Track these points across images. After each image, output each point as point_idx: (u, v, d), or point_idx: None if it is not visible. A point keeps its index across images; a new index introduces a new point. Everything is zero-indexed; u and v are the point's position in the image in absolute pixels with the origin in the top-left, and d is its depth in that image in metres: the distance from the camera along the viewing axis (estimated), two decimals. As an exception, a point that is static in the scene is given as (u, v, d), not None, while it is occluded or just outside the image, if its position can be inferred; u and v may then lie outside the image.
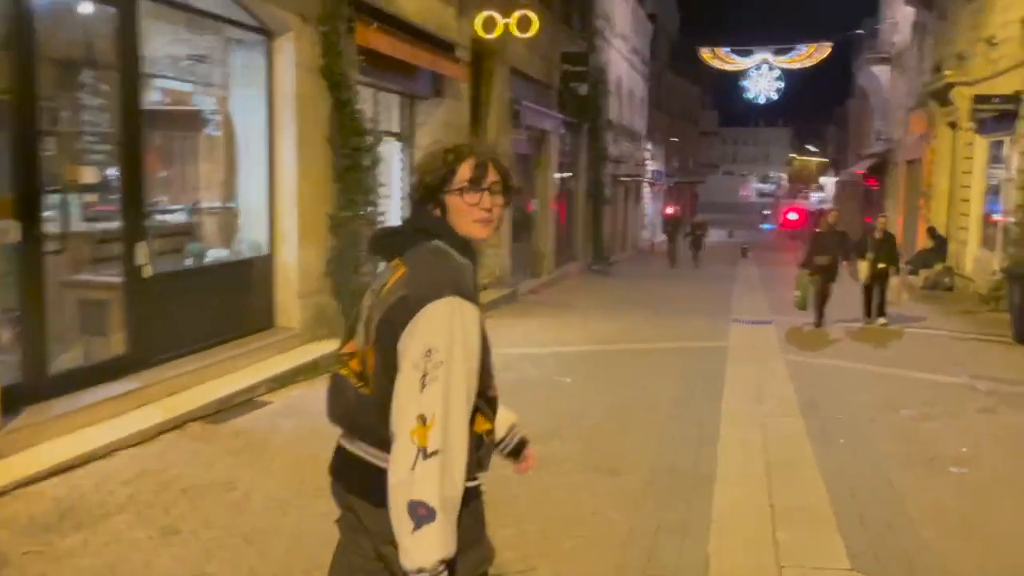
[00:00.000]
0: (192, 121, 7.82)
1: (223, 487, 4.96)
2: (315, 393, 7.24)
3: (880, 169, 27.39)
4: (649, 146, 36.52)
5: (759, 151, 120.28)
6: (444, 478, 1.84)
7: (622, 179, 28.58)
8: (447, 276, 1.95)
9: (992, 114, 15.52)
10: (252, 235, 8.24)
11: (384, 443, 1.92)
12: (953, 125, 19.45)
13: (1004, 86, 15.51)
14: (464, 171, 2.03)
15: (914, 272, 19.92)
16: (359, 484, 2.03)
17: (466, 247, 2.07)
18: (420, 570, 1.81)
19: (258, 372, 7.31)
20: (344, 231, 8.71)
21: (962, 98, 17.95)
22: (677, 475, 5.57)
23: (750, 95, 35.99)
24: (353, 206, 8.65)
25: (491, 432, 2.09)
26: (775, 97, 35.65)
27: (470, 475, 1.97)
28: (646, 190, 37.82)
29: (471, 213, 2.03)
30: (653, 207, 36.51)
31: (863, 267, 12.59)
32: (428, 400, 1.84)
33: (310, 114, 8.33)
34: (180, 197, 7.77)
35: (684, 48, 49.92)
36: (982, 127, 17.21)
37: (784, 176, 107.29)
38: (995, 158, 16.95)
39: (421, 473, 1.82)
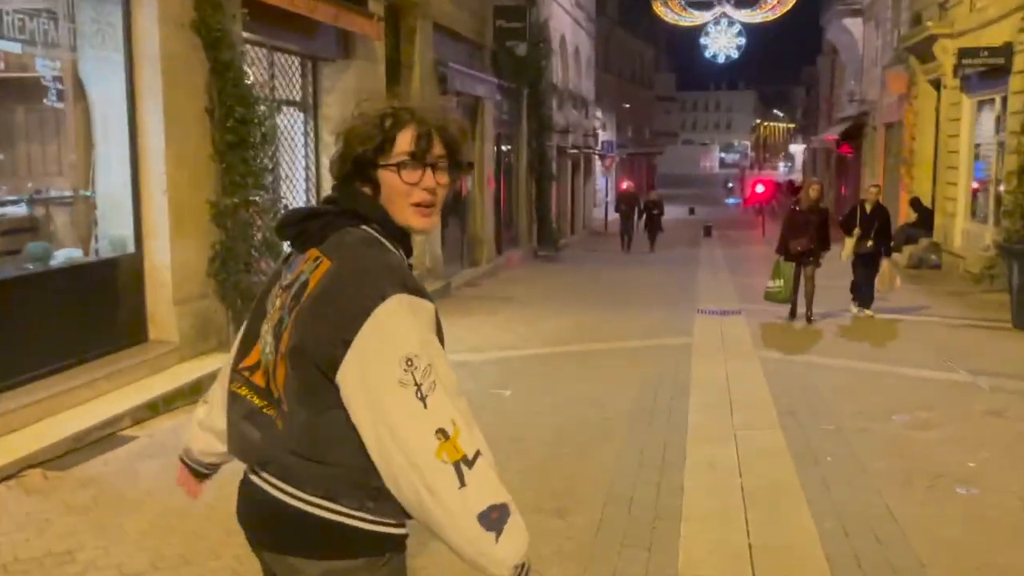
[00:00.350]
0: (31, 91, 7.06)
1: (57, 559, 4.31)
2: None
3: (855, 134, 27.42)
4: (599, 114, 36.19)
5: (721, 117, 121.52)
6: (494, 470, 1.76)
7: (569, 152, 28.18)
8: (387, 270, 1.77)
9: (979, 69, 15.42)
10: (113, 230, 7.53)
11: (314, 481, 1.78)
12: (936, 83, 19.42)
13: (992, 37, 15.42)
14: (404, 141, 1.85)
15: (897, 249, 19.92)
16: (294, 539, 1.82)
17: (402, 239, 1.89)
18: (518, 566, 1.77)
19: (123, 399, 6.63)
20: (231, 221, 8.04)
21: (945, 52, 17.88)
22: (636, 512, 5.10)
23: (709, 54, 35.73)
24: (240, 190, 7.98)
25: None
26: (736, 56, 35.54)
27: (397, 519, 1.84)
28: (597, 163, 37.54)
29: (410, 195, 1.85)
30: (606, 182, 36.20)
31: (848, 245, 12.05)
32: (438, 410, 1.71)
33: (182, 80, 7.62)
34: (16, 185, 7.03)
35: (635, 2, 49.95)
36: (968, 84, 17.14)
37: (749, 145, 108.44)
38: (984, 119, 16.90)
39: (474, 483, 1.71)
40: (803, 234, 11.45)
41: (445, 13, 14.94)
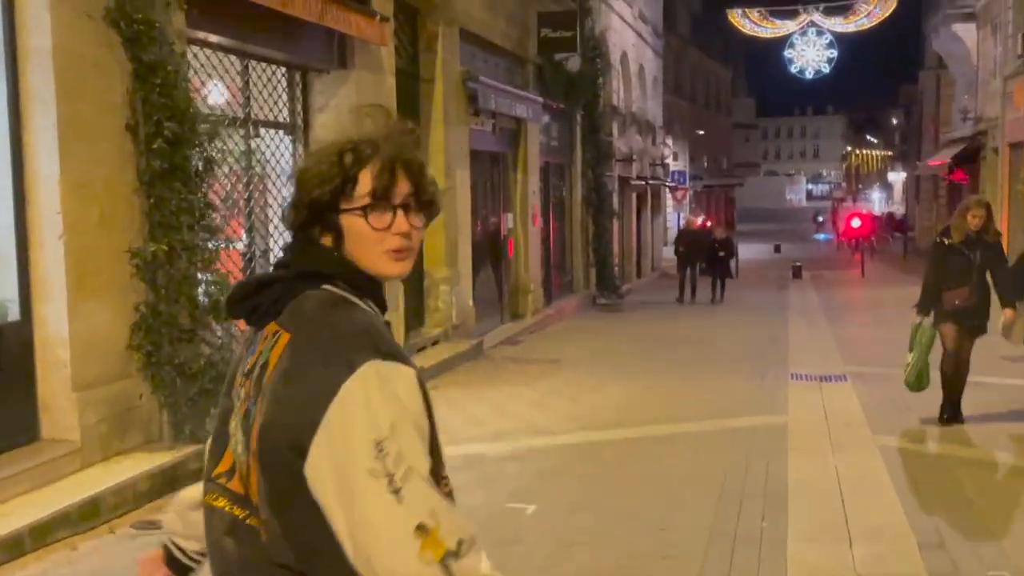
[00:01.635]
0: None
1: None
2: (85, 562, 5.06)
3: (970, 158, 25.21)
4: (669, 141, 34.48)
5: (807, 145, 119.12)
6: (482, 555, 1.62)
7: (634, 183, 26.45)
8: (355, 335, 1.62)
9: None
10: (-10, 290, 6.03)
11: None
12: (1075, 92, 17.35)
13: None
14: (367, 180, 1.67)
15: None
16: None
17: (373, 291, 1.75)
18: None
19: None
20: (162, 274, 6.51)
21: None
22: None
23: (795, 69, 33.66)
24: (172, 233, 6.44)
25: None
26: (826, 70, 33.33)
27: None
28: (668, 197, 35.70)
29: (381, 241, 1.69)
30: (678, 217, 34.39)
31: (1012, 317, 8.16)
32: (415, 503, 1.54)
33: (90, 86, 6.15)
34: None
35: (709, 19, 48.34)
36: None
37: (839, 175, 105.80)
38: None
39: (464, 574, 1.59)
40: (964, 281, 7.91)
41: (476, 19, 13.43)
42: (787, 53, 33.55)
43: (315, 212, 1.68)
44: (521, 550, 5.35)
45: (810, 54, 33.43)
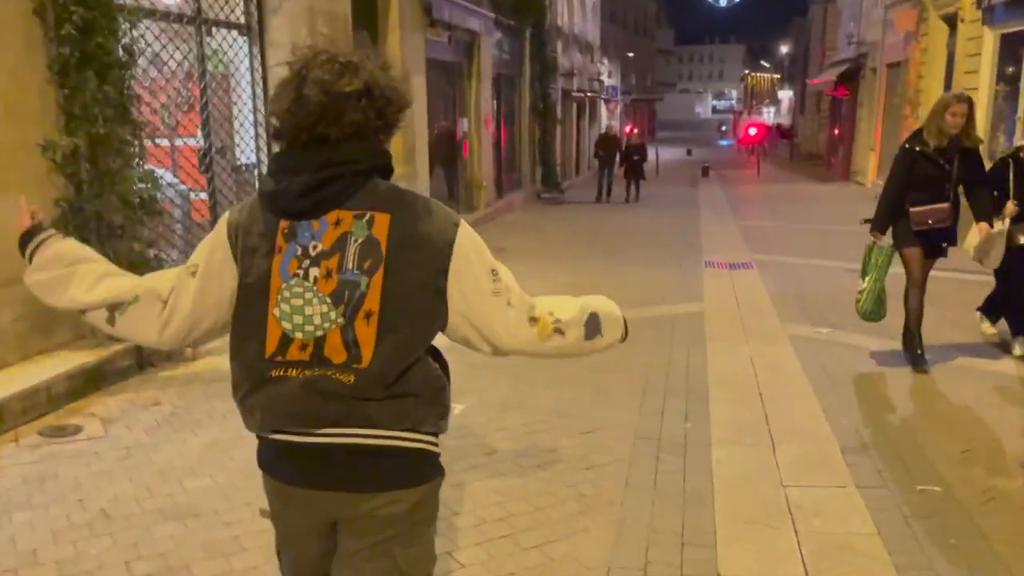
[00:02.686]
0: None
1: None
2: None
3: (852, 76, 23.54)
4: (605, 60, 32.23)
5: (714, 68, 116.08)
6: (585, 317, 1.83)
7: (574, 95, 24.50)
8: (437, 204, 1.67)
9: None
10: None
11: (399, 416, 1.62)
12: (949, 18, 15.66)
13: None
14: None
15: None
16: (393, 475, 1.64)
17: None
18: (623, 333, 1.98)
19: None
20: (85, 170, 4.91)
21: (965, -17, 14.13)
22: None
23: (712, -2, 31.29)
24: (89, 126, 4.81)
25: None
26: None
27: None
28: (603, 108, 33.68)
29: None
30: (615, 126, 32.47)
31: (987, 231, 5.33)
32: (522, 306, 1.71)
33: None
34: None
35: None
36: (991, 16, 13.44)
37: (737, 93, 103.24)
38: (1011, 55, 13.23)
39: (569, 328, 1.78)
40: (938, 196, 5.19)
41: (432, -65, 11.40)
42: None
43: (392, 123, 1.66)
44: (445, 458, 4.04)
45: (725, -15, 30.98)
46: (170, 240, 6.68)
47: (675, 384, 5.23)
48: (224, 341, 1.70)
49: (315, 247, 1.57)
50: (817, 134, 34.84)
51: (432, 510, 1.74)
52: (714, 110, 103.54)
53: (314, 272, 1.57)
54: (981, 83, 13.83)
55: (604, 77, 31.55)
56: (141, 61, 6.14)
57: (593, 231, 13.41)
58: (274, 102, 1.61)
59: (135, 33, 5.15)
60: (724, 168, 30.16)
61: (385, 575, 1.66)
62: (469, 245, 1.63)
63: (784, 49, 66.00)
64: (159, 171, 6.53)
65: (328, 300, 1.57)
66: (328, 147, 1.58)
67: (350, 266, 1.56)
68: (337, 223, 1.58)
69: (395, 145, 10.41)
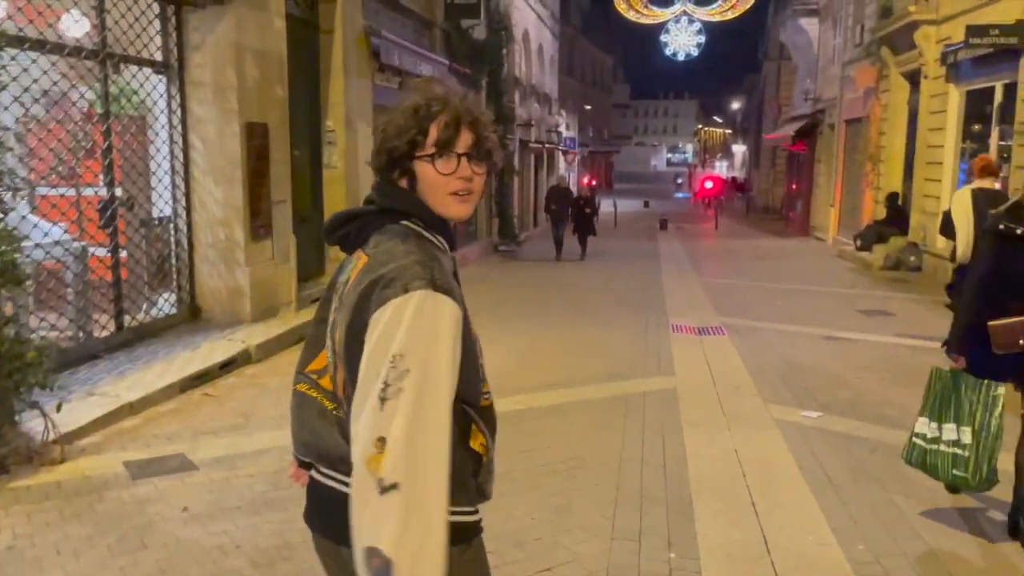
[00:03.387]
0: None
1: None
2: None
3: (808, 132, 23.44)
4: (563, 112, 31.95)
5: (668, 123, 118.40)
6: (409, 520, 1.32)
7: (532, 146, 23.96)
8: (418, 264, 1.46)
9: (985, 51, 11.43)
10: None
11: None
12: (911, 75, 15.46)
13: (993, 17, 11.44)
14: (434, 132, 1.54)
15: (865, 247, 16.06)
16: (338, 527, 1.45)
17: (443, 228, 1.60)
18: None
19: None
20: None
21: (928, 40, 13.90)
22: None
23: (669, 52, 31.22)
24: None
25: (489, 449, 1.59)
26: (695, 53, 30.90)
27: (468, 504, 1.55)
28: (561, 160, 33.30)
29: (447, 185, 1.55)
30: (568, 176, 32.05)
31: None
32: (388, 418, 1.35)
33: None
34: None
35: (596, 13, 45.66)
36: (957, 73, 13.18)
37: (692, 147, 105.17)
38: (976, 112, 12.94)
39: (374, 512, 1.33)
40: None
41: (381, -24, 10.71)
42: (663, 38, 31.05)
43: (393, 159, 1.56)
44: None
45: (682, 39, 30.99)
46: (56, 307, 5.66)
47: (652, 489, 4.34)
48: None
49: (340, 281, 1.60)
50: (772, 188, 34.90)
51: None
52: (669, 163, 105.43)
53: (334, 304, 1.59)
54: (947, 140, 13.52)
55: (562, 129, 31.21)
56: (26, 98, 5.21)
57: (552, 287, 12.59)
58: None
59: (-4, 62, 4.20)
60: (682, 221, 29.83)
61: None
62: (397, 317, 1.39)
63: (736, 105, 67.29)
64: (47, 226, 5.56)
65: (329, 334, 1.59)
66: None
67: (336, 304, 1.57)
68: (356, 261, 1.57)
69: (335, 195, 9.49)
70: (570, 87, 37.32)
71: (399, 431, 1.33)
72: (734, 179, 48.34)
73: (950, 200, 7.11)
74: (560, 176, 22.51)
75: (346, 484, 1.44)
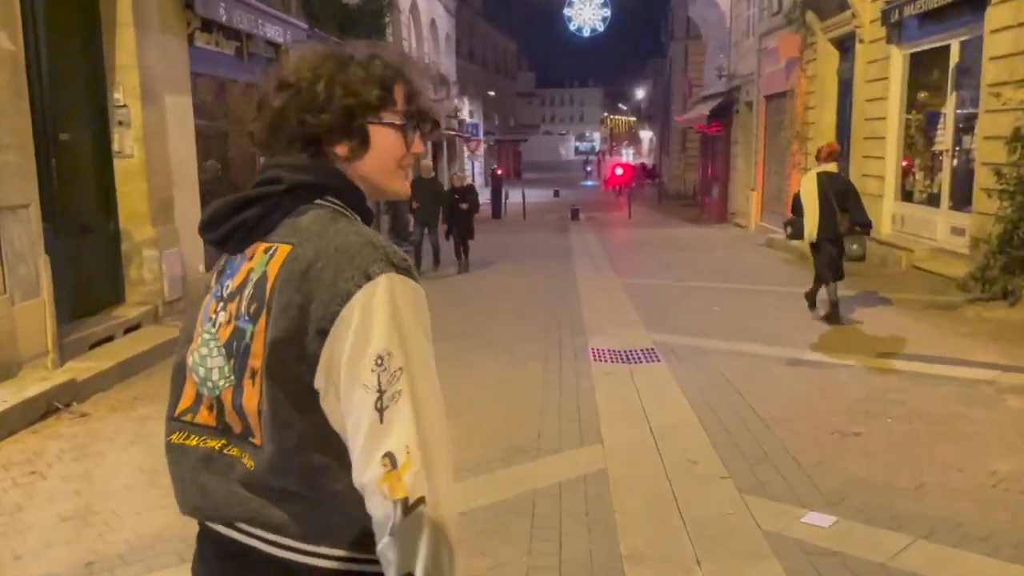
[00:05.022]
0: None
1: None
2: None
3: (723, 112, 21.77)
4: (466, 99, 29.54)
5: (575, 111, 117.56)
6: (438, 534, 1.09)
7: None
8: (368, 245, 1.14)
9: (939, 2, 9.63)
10: None
11: (314, 526, 1.15)
12: (842, 40, 13.73)
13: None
14: (400, 97, 1.24)
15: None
16: None
17: (361, 205, 1.27)
18: None
19: None
20: None
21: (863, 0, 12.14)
22: None
23: (573, 27, 29.16)
24: None
25: None
26: (601, 28, 29.01)
27: (366, 550, 1.16)
28: (463, 148, 30.90)
29: (403, 158, 1.27)
30: (473, 166, 29.72)
31: None
32: (394, 430, 1.09)
33: None
34: None
35: (497, -4, 43.41)
36: (900, 34, 11.44)
37: (599, 135, 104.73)
38: (925, 77, 11.21)
39: (404, 536, 1.07)
40: None
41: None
42: (567, 11, 28.99)
43: (348, 117, 1.19)
44: None
45: (587, 13, 28.97)
46: None
47: None
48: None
49: (227, 286, 1.24)
50: (684, 174, 33.43)
51: None
52: (577, 151, 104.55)
53: (221, 316, 1.23)
54: (889, 111, 11.76)
55: (464, 115, 28.81)
56: None
57: (448, 292, 10.15)
58: None
59: None
60: (593, 210, 27.91)
61: None
62: (367, 311, 1.09)
63: (641, 94, 66.36)
64: None
65: (223, 351, 1.21)
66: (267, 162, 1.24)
67: (242, 310, 1.20)
68: (251, 257, 1.22)
69: (133, 196, 6.76)
70: (471, 72, 34.92)
71: (410, 440, 1.08)
72: (643, 165, 46.97)
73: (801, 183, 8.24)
74: (423, 163, 17.69)
75: (262, 540, 1.17)
